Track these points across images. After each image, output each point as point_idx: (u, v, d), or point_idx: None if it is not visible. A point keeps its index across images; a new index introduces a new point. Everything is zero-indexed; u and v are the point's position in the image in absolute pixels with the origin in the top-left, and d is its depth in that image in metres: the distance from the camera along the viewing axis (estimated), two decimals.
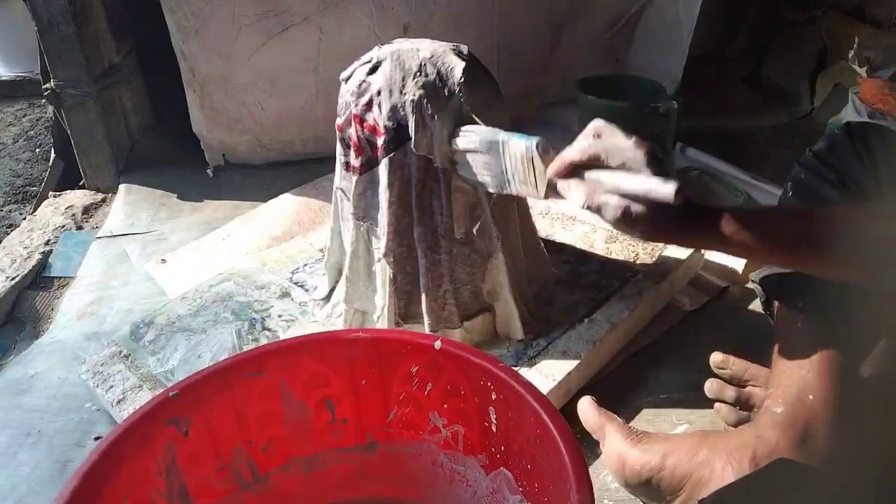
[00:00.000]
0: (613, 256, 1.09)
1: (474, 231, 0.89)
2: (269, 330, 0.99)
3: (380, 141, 0.84)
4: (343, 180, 0.92)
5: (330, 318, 0.99)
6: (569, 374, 0.88)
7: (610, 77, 1.54)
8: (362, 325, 0.96)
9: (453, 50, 0.87)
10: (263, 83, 1.49)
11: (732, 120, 1.79)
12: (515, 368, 0.89)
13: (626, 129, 0.66)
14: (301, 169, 1.52)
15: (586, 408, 0.79)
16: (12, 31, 2.24)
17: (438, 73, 0.84)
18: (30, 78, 2.26)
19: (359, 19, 1.46)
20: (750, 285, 0.88)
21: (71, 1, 1.37)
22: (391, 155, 0.84)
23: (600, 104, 1.39)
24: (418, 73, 0.83)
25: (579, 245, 1.12)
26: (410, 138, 0.83)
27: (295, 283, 1.08)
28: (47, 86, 1.46)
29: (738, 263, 1.12)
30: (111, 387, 0.91)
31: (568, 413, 0.87)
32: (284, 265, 1.13)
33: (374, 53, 0.88)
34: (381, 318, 0.93)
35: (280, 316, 1.01)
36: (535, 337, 0.94)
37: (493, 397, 0.60)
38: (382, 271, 0.90)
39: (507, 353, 0.92)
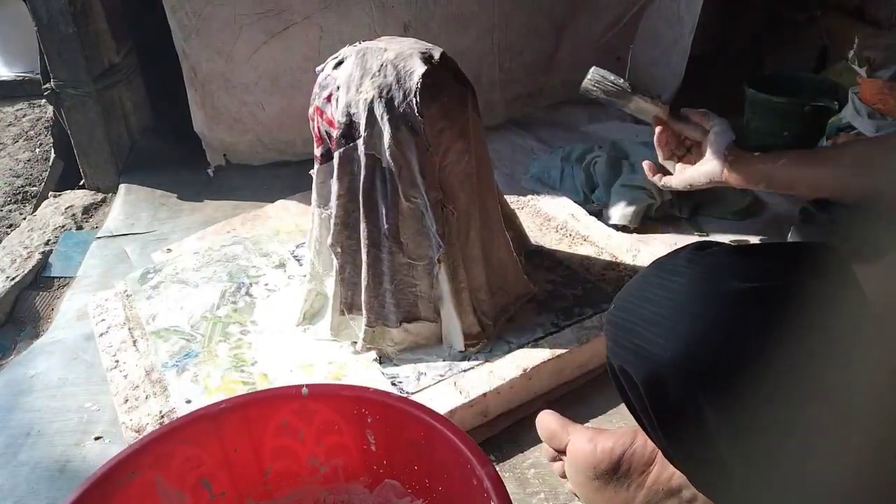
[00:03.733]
0: (603, 285, 1.03)
1: (416, 239, 0.88)
2: (250, 296, 1.05)
3: (334, 134, 0.86)
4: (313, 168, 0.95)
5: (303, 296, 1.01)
6: (485, 395, 0.85)
7: (786, 76, 1.58)
8: (322, 308, 0.98)
9: (423, 53, 0.86)
10: (264, 82, 1.49)
11: (733, 119, 1.78)
12: (441, 377, 0.88)
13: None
14: (301, 169, 1.50)
15: (546, 415, 0.78)
16: (12, 31, 2.24)
17: (397, 75, 0.83)
18: (30, 78, 2.25)
19: (359, 18, 1.45)
20: None
21: (71, 1, 1.37)
22: (342, 149, 0.86)
23: (758, 98, 1.45)
24: (377, 74, 0.84)
25: (576, 266, 1.08)
26: (361, 136, 0.83)
27: (294, 257, 1.13)
28: (47, 86, 1.46)
29: None
30: (102, 319, 1.02)
31: (494, 442, 0.86)
32: (294, 238, 1.18)
33: (346, 50, 0.89)
34: (332, 305, 0.95)
35: (266, 285, 1.07)
36: (477, 351, 0.92)
37: (369, 420, 0.63)
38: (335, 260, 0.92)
39: (440, 362, 0.91)
